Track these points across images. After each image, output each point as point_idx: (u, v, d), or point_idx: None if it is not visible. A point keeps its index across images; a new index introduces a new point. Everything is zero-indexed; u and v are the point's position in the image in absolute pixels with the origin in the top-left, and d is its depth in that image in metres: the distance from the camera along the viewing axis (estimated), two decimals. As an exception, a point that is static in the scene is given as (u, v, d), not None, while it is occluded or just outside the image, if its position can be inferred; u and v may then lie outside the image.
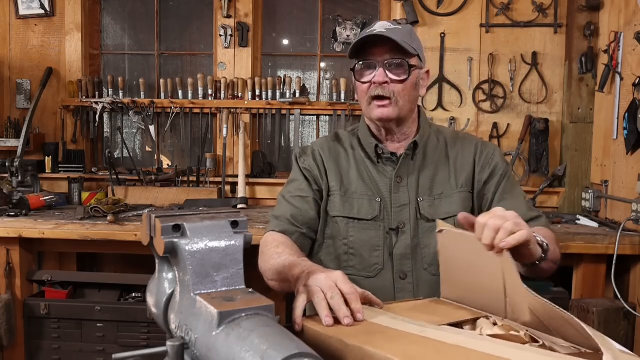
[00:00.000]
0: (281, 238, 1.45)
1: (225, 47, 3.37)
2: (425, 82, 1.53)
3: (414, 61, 1.45)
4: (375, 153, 1.52)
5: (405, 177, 1.50)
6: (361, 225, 1.49)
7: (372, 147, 1.52)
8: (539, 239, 1.20)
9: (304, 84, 3.43)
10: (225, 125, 3.34)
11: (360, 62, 1.45)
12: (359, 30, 3.40)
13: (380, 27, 1.43)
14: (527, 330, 0.99)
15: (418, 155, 1.52)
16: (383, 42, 1.40)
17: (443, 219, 1.33)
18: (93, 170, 3.40)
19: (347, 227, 1.49)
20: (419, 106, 1.57)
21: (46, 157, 3.34)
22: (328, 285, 1.03)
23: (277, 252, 1.36)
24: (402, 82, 1.43)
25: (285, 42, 3.61)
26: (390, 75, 1.42)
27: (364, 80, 1.45)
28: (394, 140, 1.53)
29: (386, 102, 1.43)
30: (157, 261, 0.91)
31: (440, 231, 1.18)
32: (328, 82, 3.49)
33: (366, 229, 1.49)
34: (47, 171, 3.33)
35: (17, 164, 3.01)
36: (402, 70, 1.43)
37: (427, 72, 1.54)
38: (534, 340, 0.95)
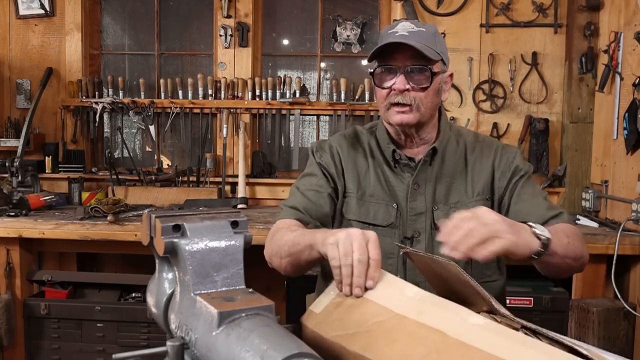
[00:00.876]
0: (296, 223, 1.40)
1: (225, 47, 3.37)
2: (448, 86, 1.47)
3: (437, 67, 1.39)
4: (393, 158, 1.47)
5: (423, 184, 1.46)
6: (376, 231, 1.43)
7: (389, 152, 1.48)
8: (538, 232, 1.18)
9: (304, 84, 3.43)
10: (225, 125, 3.34)
11: (381, 67, 1.40)
12: (359, 30, 3.40)
13: (402, 29, 1.37)
14: (524, 329, 0.99)
15: (436, 161, 1.47)
16: (405, 47, 1.34)
17: None
18: (93, 170, 3.40)
19: None
20: (439, 107, 1.51)
21: (46, 157, 3.34)
22: (359, 244, 1.04)
23: (292, 231, 1.32)
24: (423, 89, 1.37)
25: (285, 42, 3.61)
26: (412, 83, 1.37)
27: (384, 85, 1.39)
28: (413, 145, 1.49)
29: (406, 108, 1.38)
30: (157, 261, 0.91)
31: (406, 253, 1.20)
32: (328, 82, 3.49)
33: (381, 235, 1.44)
34: (47, 171, 3.33)
35: (17, 164, 3.01)
36: (424, 77, 1.37)
37: (451, 75, 1.48)
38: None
